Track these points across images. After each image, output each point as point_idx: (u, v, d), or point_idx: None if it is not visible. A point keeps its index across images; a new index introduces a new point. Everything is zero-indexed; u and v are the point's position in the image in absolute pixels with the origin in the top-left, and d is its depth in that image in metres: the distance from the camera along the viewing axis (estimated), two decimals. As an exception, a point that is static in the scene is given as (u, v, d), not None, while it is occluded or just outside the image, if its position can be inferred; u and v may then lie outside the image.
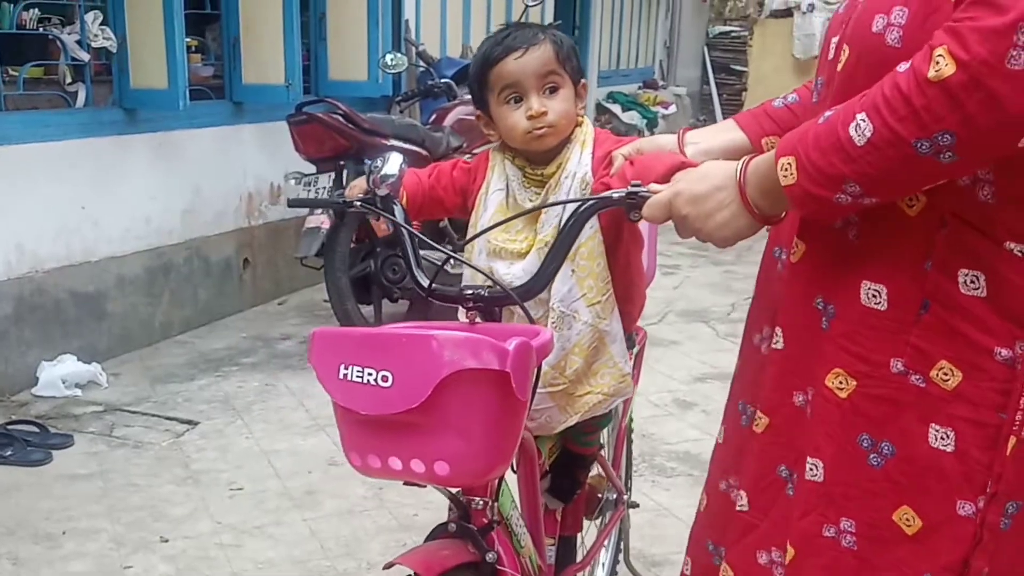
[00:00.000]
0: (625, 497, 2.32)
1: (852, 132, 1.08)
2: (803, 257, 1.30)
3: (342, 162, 4.34)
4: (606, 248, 1.70)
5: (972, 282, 1.15)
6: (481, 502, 1.54)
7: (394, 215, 1.70)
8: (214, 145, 4.99)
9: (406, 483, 1.47)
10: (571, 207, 1.51)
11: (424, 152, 4.51)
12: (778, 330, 1.34)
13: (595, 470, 2.11)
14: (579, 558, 2.12)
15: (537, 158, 1.72)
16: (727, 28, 13.45)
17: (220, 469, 3.30)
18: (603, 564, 2.41)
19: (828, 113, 1.14)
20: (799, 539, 1.30)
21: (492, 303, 1.56)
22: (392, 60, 5.08)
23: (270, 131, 4.95)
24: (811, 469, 1.28)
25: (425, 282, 1.63)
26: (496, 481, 1.58)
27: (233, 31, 4.95)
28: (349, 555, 2.77)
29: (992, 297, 1.14)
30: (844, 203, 1.13)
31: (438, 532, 1.59)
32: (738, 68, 11.41)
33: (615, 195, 1.41)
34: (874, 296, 1.21)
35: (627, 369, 1.79)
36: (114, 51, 4.33)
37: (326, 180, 4.31)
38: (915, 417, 1.19)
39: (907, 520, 1.21)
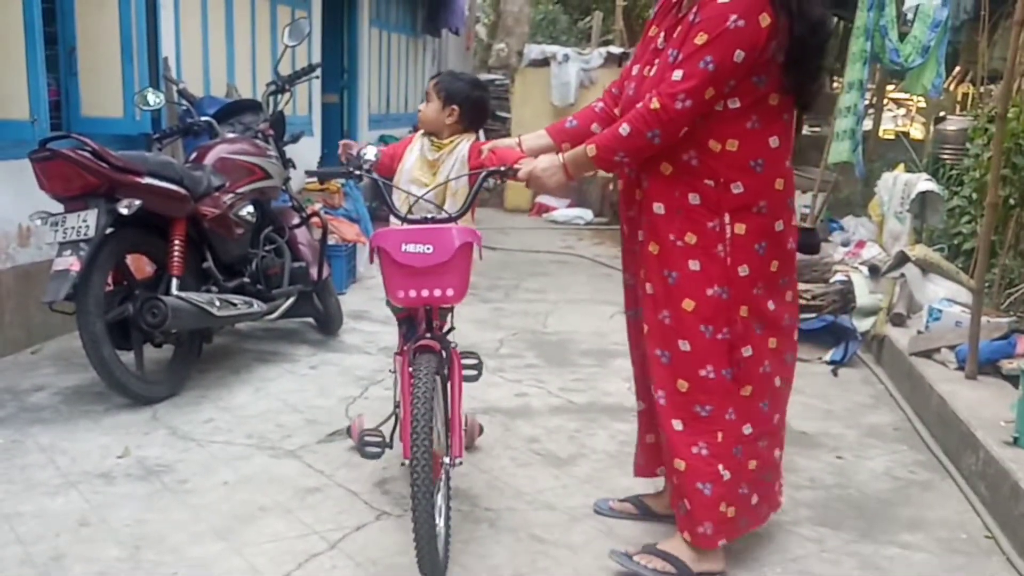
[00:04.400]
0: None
1: (620, 131, 2.66)
2: (625, 200, 2.93)
3: (91, 201, 4.06)
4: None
5: (694, 198, 2.71)
6: (439, 322, 3.01)
7: (376, 180, 3.10)
8: None
9: (424, 304, 2.89)
10: (463, 169, 3.22)
11: (183, 191, 4.36)
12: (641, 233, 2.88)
13: None
14: None
15: (437, 137, 3.32)
16: (491, 76, 14.01)
17: None
18: None
19: (609, 128, 2.75)
20: (651, 324, 2.83)
21: (441, 222, 2.91)
22: (151, 97, 4.90)
23: (16, 169, 4.63)
24: (648, 288, 2.83)
25: (402, 213, 2.99)
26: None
27: (-30, 67, 4.62)
28: (99, 622, 2.59)
29: (703, 203, 2.70)
30: (618, 161, 2.72)
31: (416, 339, 2.94)
32: (503, 115, 11.81)
33: (503, 168, 2.96)
34: (659, 209, 2.76)
35: (478, 258, 3.02)
36: None
37: (75, 220, 4.03)
38: (683, 258, 2.73)
39: (687, 304, 2.73)
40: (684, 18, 2.67)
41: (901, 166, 7.45)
